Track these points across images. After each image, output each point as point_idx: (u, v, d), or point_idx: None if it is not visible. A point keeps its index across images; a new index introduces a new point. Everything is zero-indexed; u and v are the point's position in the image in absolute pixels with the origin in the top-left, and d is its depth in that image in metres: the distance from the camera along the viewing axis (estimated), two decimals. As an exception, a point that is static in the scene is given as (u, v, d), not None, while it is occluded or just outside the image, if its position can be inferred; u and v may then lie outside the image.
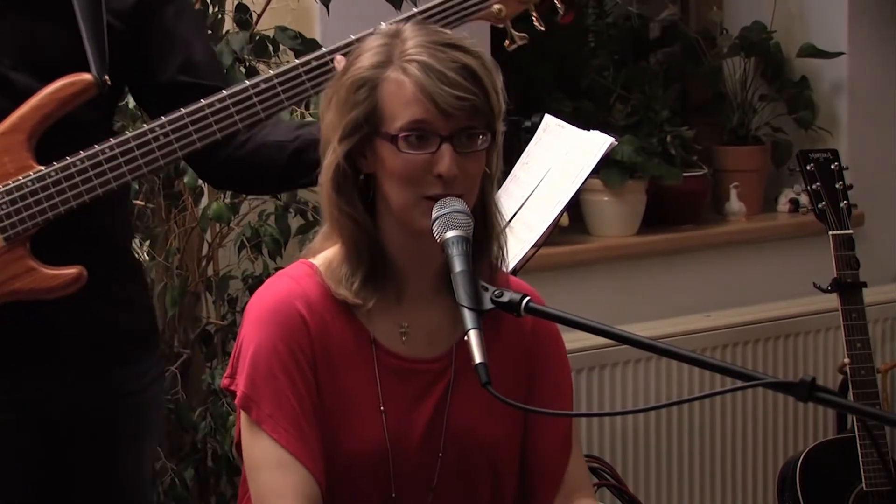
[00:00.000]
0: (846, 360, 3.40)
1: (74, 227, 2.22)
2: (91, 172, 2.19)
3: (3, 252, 2.18)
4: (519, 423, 2.09)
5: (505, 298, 1.81)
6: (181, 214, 3.25)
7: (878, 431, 3.37)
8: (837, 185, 3.47)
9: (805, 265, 3.86)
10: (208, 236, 3.31)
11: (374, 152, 1.95)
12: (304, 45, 3.03)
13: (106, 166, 2.19)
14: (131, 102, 2.91)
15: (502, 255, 2.04)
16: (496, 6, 2.26)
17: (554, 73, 4.25)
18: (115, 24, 2.25)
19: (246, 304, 2.15)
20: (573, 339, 3.16)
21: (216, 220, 3.15)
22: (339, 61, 2.22)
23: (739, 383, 1.72)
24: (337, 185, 1.96)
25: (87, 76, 2.19)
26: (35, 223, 2.18)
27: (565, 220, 3.60)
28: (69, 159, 2.18)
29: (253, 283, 3.21)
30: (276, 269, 3.06)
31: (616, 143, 2.64)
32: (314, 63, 2.24)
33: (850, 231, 3.44)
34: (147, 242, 3.26)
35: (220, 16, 3.15)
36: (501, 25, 2.32)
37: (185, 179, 3.08)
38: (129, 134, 2.21)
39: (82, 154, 2.19)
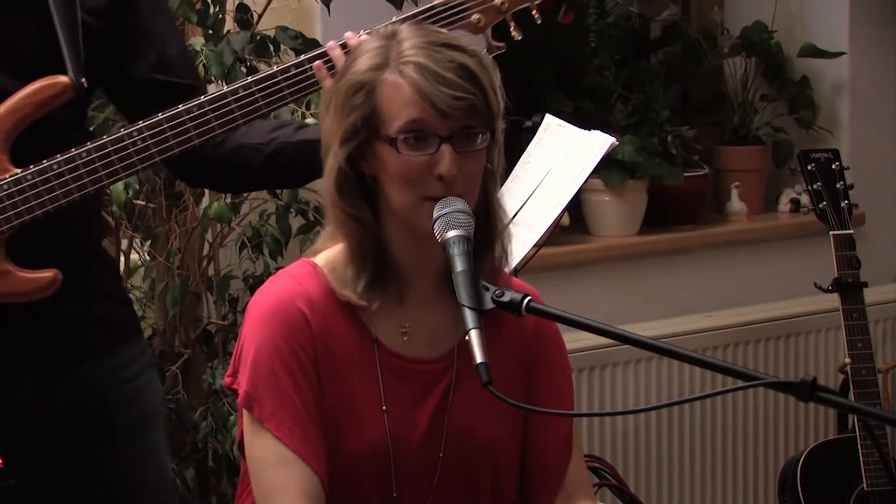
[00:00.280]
0: (847, 360, 3.40)
1: (45, 226, 2.20)
2: (68, 177, 2.17)
3: None
4: (519, 424, 2.09)
5: (506, 298, 1.81)
6: (182, 214, 3.25)
7: (879, 431, 3.37)
8: (838, 185, 3.47)
9: (806, 265, 3.86)
10: (209, 236, 3.31)
11: (375, 155, 1.95)
12: (305, 44, 3.03)
13: (83, 170, 2.18)
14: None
15: (506, 253, 2.04)
16: (475, 16, 2.27)
17: (555, 73, 4.26)
18: (90, 21, 2.23)
19: (247, 304, 2.15)
20: (574, 339, 3.16)
21: (217, 220, 3.15)
22: (318, 68, 2.23)
23: (740, 383, 1.72)
24: (340, 188, 1.97)
25: (63, 79, 2.17)
26: (10, 227, 2.16)
27: (566, 220, 3.60)
28: (46, 163, 2.17)
29: (254, 283, 3.21)
30: (277, 269, 3.07)
31: (617, 142, 2.64)
32: (293, 70, 2.25)
33: (851, 231, 3.44)
34: (148, 242, 3.27)
35: (220, 15, 3.15)
36: (480, 35, 2.32)
37: (186, 179, 3.08)
38: (106, 138, 2.20)
39: (59, 158, 2.17)
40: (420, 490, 2.03)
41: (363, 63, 1.95)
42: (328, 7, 3.09)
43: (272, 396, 1.95)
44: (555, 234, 2.80)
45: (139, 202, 3.16)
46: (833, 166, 3.48)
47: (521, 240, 2.63)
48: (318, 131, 2.32)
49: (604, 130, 2.65)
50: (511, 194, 2.69)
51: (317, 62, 2.24)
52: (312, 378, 1.97)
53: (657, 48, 4.42)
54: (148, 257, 3.30)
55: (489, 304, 1.81)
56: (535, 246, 2.65)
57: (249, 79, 2.25)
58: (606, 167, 3.87)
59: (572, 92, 4.18)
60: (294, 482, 1.93)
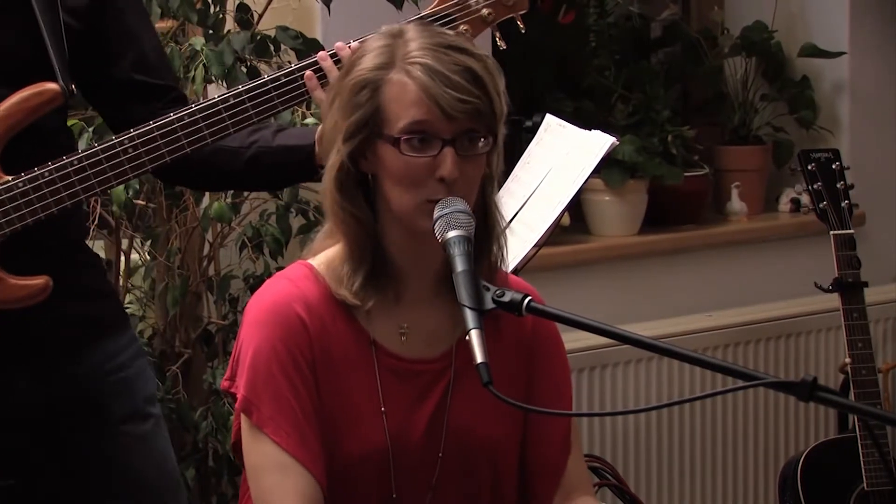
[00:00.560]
0: (847, 360, 3.39)
1: (32, 226, 2.19)
2: (60, 185, 2.17)
3: None
4: (519, 423, 2.09)
5: (506, 298, 1.81)
6: (182, 214, 3.25)
7: (880, 431, 3.37)
8: (839, 185, 3.47)
9: (806, 265, 3.86)
10: (209, 236, 3.31)
11: (375, 153, 1.95)
12: (306, 44, 3.03)
13: (75, 178, 2.18)
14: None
15: (502, 254, 2.04)
16: (462, 27, 2.29)
17: (555, 73, 4.25)
18: (72, 23, 2.24)
19: (246, 305, 2.15)
20: (574, 339, 3.16)
21: (217, 220, 3.15)
22: (309, 77, 2.24)
23: (740, 383, 1.71)
24: (340, 185, 1.97)
25: (53, 86, 2.17)
26: (2, 234, 2.16)
27: (566, 220, 3.60)
28: (37, 171, 2.17)
29: (254, 283, 3.21)
30: (278, 269, 3.07)
31: (617, 142, 2.64)
32: (283, 80, 2.26)
33: (852, 231, 3.44)
34: (148, 242, 3.27)
35: (221, 15, 3.15)
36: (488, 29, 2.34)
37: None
38: (97, 146, 2.20)
39: (51, 166, 2.17)
40: (419, 490, 2.03)
41: (369, 61, 1.95)
42: (328, 7, 3.09)
43: (270, 400, 1.95)
44: (555, 233, 2.80)
45: (139, 202, 3.16)
46: (833, 166, 3.48)
47: (522, 239, 2.63)
48: (298, 135, 2.35)
49: (604, 130, 2.65)
50: (511, 194, 2.69)
51: (308, 72, 2.25)
52: (310, 381, 1.97)
53: (657, 48, 4.42)
54: (148, 257, 3.30)
55: (489, 304, 1.81)
56: (535, 246, 2.65)
57: (240, 88, 2.25)
58: (607, 167, 3.87)
59: (573, 92, 4.18)
60: (292, 486, 1.93)
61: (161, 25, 3.14)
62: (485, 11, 2.29)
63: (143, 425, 2.38)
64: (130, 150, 2.21)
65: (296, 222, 3.25)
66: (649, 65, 4.30)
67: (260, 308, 1.99)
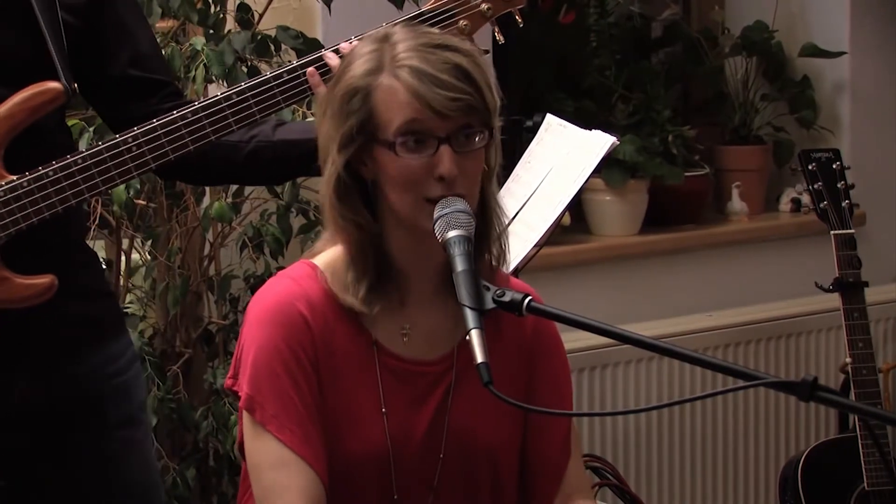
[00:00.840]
0: (848, 360, 3.39)
1: (34, 227, 2.19)
2: (64, 183, 2.17)
3: None
4: (519, 424, 2.09)
5: (507, 298, 1.81)
6: (183, 214, 3.25)
7: (880, 431, 3.38)
8: (839, 185, 3.47)
9: (807, 265, 3.86)
10: (210, 236, 3.31)
11: (374, 159, 1.95)
12: (306, 44, 3.03)
13: (79, 177, 2.18)
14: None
15: (503, 254, 2.04)
16: (462, 22, 2.30)
17: (555, 73, 4.25)
18: (70, 20, 2.24)
19: (247, 304, 2.15)
20: (574, 339, 3.17)
21: (218, 220, 3.15)
22: (312, 74, 2.24)
23: (741, 383, 1.71)
24: (339, 195, 1.97)
25: (55, 85, 2.17)
26: (7, 234, 2.16)
27: (567, 220, 3.60)
28: (42, 170, 2.17)
29: (255, 283, 3.21)
30: (278, 269, 3.07)
31: (618, 142, 2.64)
32: (286, 76, 2.26)
33: (852, 230, 3.44)
34: (149, 242, 3.26)
35: (221, 15, 3.15)
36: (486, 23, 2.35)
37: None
38: (101, 145, 2.20)
39: (55, 164, 2.17)
40: (420, 491, 2.03)
41: (358, 68, 1.95)
42: (329, 7, 3.09)
43: (273, 398, 1.95)
44: (555, 233, 2.80)
45: (140, 202, 3.16)
46: (834, 166, 3.48)
47: (522, 239, 2.63)
48: (298, 129, 2.35)
49: (605, 130, 2.65)
50: (512, 194, 2.69)
51: (310, 69, 2.25)
52: (313, 379, 1.97)
53: (658, 48, 4.42)
54: (149, 257, 3.30)
55: (490, 304, 1.81)
56: (535, 245, 2.65)
57: (243, 85, 2.25)
58: (607, 167, 3.87)
59: (573, 91, 4.18)
60: (294, 483, 1.93)
61: (161, 25, 3.14)
62: (484, 6, 2.30)
63: (137, 431, 2.39)
64: (134, 149, 2.21)
65: (296, 222, 3.25)
66: (650, 65, 4.31)
67: (263, 306, 1.99)
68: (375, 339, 2.01)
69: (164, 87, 2.34)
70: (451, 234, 1.87)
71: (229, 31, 3.15)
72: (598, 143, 2.62)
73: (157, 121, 2.22)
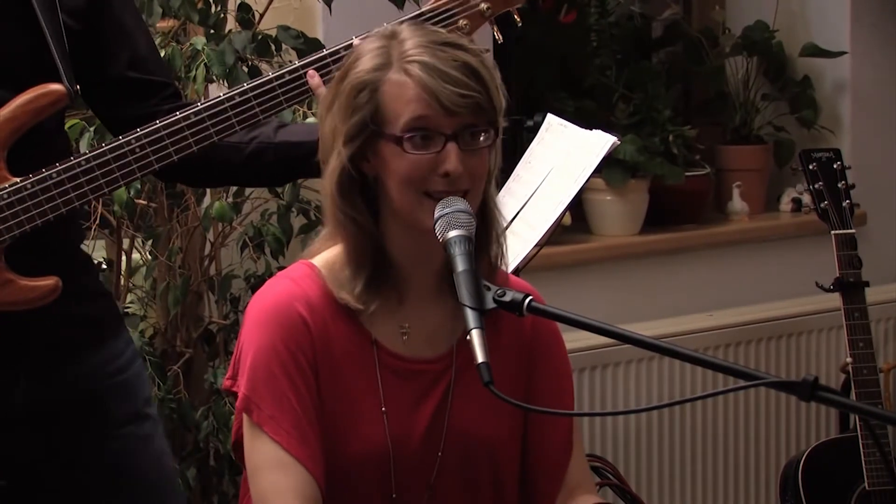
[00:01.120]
0: (848, 360, 3.39)
1: (35, 229, 2.19)
2: (68, 185, 2.17)
3: None
4: (520, 423, 2.09)
5: (507, 298, 1.81)
6: (183, 214, 3.25)
7: (881, 431, 3.38)
8: (840, 185, 3.47)
9: (807, 265, 3.85)
10: (210, 235, 3.32)
11: (378, 155, 1.95)
12: (307, 44, 3.03)
13: (83, 178, 2.18)
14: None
15: (502, 253, 2.04)
16: (462, 21, 2.30)
17: (556, 73, 4.26)
18: (71, 23, 2.24)
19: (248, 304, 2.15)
20: (574, 339, 3.17)
21: (218, 220, 3.15)
22: (311, 75, 2.24)
23: (741, 383, 1.71)
24: (341, 189, 1.97)
25: (58, 87, 2.17)
26: (12, 236, 2.16)
27: (567, 220, 3.60)
28: (45, 172, 2.17)
29: (255, 283, 3.21)
30: (279, 269, 3.07)
31: (618, 142, 2.64)
32: (287, 77, 2.26)
33: (853, 230, 3.44)
34: (149, 242, 3.27)
35: (222, 15, 3.15)
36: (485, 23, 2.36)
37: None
38: (105, 147, 2.20)
39: (59, 167, 2.17)
40: (420, 490, 2.03)
41: (366, 63, 1.95)
42: (330, 7, 3.09)
43: (271, 399, 1.95)
44: (556, 233, 2.80)
45: (140, 202, 3.16)
46: (834, 166, 3.48)
47: (523, 239, 2.63)
48: (300, 131, 2.35)
49: (605, 130, 2.65)
50: (513, 193, 2.69)
51: (310, 70, 2.25)
52: (311, 380, 1.97)
53: (659, 48, 4.43)
54: (149, 257, 3.30)
55: (490, 304, 1.81)
56: (536, 245, 2.65)
57: (244, 85, 2.25)
58: (608, 166, 3.87)
59: (574, 91, 4.19)
60: (291, 485, 1.93)
61: (162, 25, 3.14)
62: (483, 6, 2.30)
63: (143, 427, 2.38)
64: (138, 150, 2.21)
65: (297, 222, 3.25)
66: (650, 64, 4.31)
67: (262, 307, 1.99)
68: (375, 338, 2.01)
69: (162, 88, 2.35)
70: (452, 233, 1.87)
71: (230, 30, 3.15)
72: (599, 142, 2.62)
73: (160, 122, 2.22)
